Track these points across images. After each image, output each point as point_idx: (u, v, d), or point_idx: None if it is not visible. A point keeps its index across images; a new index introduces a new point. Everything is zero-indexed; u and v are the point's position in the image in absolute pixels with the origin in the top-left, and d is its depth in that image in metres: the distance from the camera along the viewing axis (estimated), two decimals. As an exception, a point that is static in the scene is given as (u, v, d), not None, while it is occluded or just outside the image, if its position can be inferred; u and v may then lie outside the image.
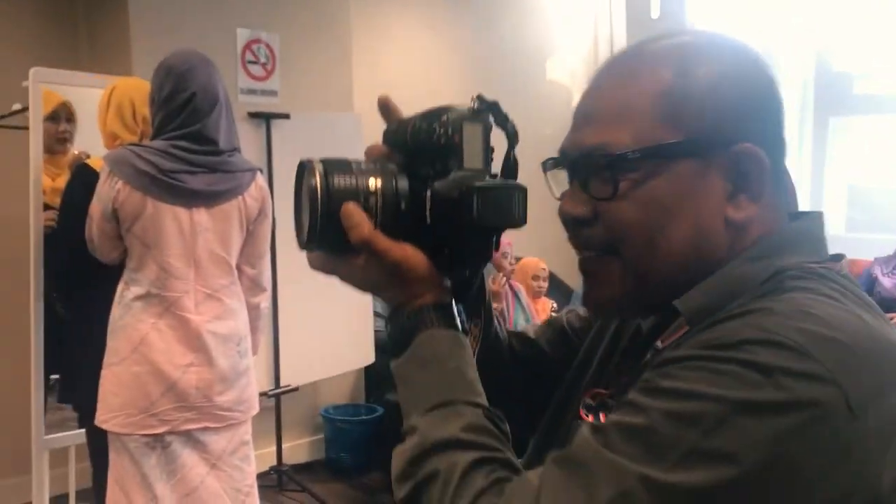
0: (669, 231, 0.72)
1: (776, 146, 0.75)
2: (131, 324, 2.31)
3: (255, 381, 2.56)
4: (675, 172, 0.72)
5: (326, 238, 0.76)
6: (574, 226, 0.78)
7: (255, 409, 2.52)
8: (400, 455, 0.72)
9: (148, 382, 2.28)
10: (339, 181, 0.76)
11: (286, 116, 3.59)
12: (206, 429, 2.37)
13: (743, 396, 0.60)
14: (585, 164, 0.75)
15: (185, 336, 2.31)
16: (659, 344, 0.77)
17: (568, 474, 0.64)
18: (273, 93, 3.90)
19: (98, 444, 2.69)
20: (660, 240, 0.73)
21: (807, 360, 0.60)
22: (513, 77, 4.95)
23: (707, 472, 0.59)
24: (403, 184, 0.78)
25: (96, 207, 2.30)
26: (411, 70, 4.49)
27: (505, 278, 3.74)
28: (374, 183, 0.77)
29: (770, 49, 6.06)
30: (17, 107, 3.04)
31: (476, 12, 4.96)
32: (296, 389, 3.78)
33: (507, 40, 5.11)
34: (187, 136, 2.29)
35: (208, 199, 2.35)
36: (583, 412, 0.80)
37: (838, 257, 0.75)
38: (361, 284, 0.80)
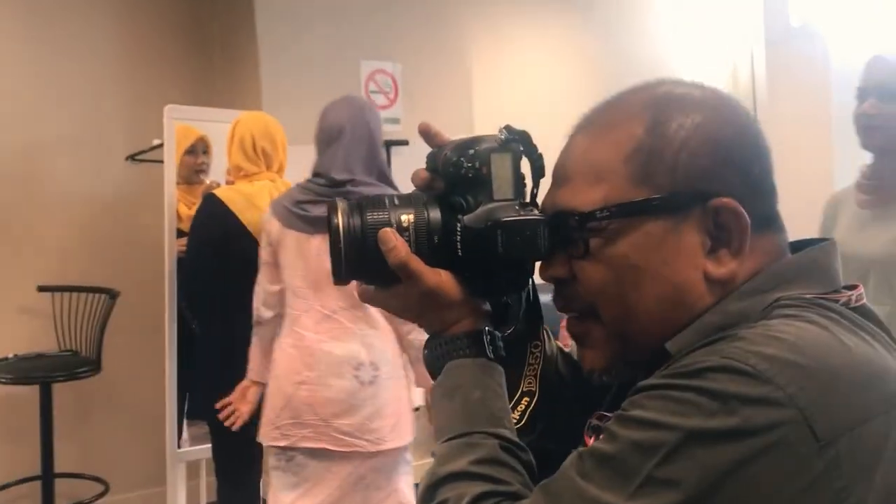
0: (643, 290, 0.72)
1: (761, 196, 0.73)
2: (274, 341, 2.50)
3: (403, 415, 2.48)
4: (644, 230, 0.71)
5: (361, 271, 0.80)
6: (556, 286, 0.79)
7: (392, 444, 2.43)
8: (423, 479, 0.76)
9: (274, 397, 2.43)
10: (372, 217, 0.79)
11: (405, 143, 3.70)
12: (326, 451, 2.39)
13: (696, 425, 0.60)
14: (560, 223, 0.75)
15: (301, 353, 2.41)
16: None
17: (546, 501, 0.66)
18: (395, 120, 4.02)
19: (221, 459, 2.85)
20: (634, 300, 0.72)
21: (764, 386, 0.60)
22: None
23: (658, 499, 0.60)
24: (436, 216, 0.80)
25: (262, 239, 2.52)
26: (533, 93, 4.50)
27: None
28: (406, 218, 0.80)
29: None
30: (156, 142, 3.28)
31: (599, 29, 4.91)
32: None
33: (634, 55, 5.01)
34: (315, 172, 2.46)
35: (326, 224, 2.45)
36: (586, 434, 0.80)
37: (852, 287, 0.72)
38: (401, 312, 0.84)
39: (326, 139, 2.43)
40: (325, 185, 2.41)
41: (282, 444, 2.40)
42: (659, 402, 0.63)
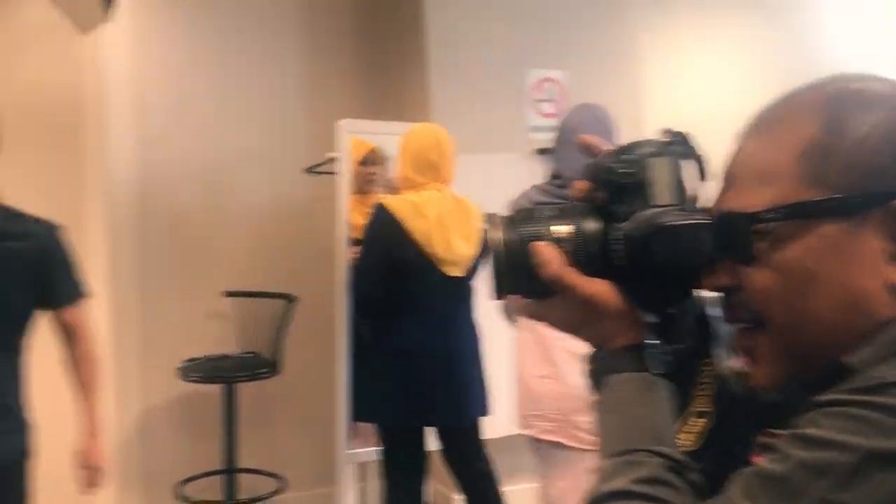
0: (815, 298, 0.67)
1: None
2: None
3: None
4: (817, 233, 0.66)
5: (519, 284, 0.79)
6: (723, 296, 0.75)
7: None
8: (587, 494, 0.74)
9: (520, 389, 2.50)
10: (527, 231, 0.78)
11: (571, 151, 3.66)
12: (564, 446, 2.41)
13: (876, 445, 0.55)
14: (724, 227, 0.71)
15: (540, 348, 2.46)
16: None
17: None
18: (562, 129, 3.98)
19: (387, 462, 2.91)
20: (804, 309, 0.67)
21: None
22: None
23: None
24: (591, 226, 0.78)
25: None
26: (705, 98, 4.32)
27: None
28: (561, 230, 0.78)
29: None
30: (331, 155, 3.43)
31: (778, 30, 4.65)
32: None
33: (816, 56, 4.71)
34: (554, 175, 2.48)
35: None
36: (755, 452, 0.77)
37: None
38: (561, 325, 0.82)
39: (562, 140, 2.45)
40: (562, 187, 2.43)
41: (527, 432, 2.46)
42: (835, 420, 0.58)
